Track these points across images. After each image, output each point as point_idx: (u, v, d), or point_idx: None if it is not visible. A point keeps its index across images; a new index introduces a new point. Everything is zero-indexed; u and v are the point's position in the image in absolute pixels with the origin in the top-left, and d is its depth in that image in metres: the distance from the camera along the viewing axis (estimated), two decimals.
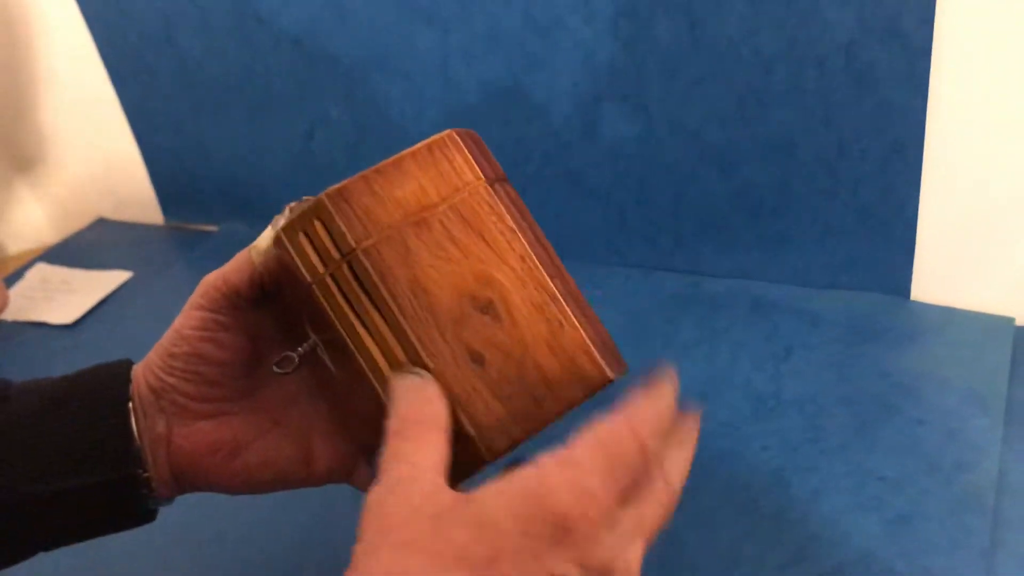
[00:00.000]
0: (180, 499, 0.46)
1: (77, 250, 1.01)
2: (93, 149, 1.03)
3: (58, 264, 0.97)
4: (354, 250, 0.39)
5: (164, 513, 0.47)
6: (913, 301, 0.71)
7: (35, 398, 0.44)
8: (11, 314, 0.88)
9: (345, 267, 0.39)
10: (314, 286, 0.40)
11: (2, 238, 1.07)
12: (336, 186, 0.39)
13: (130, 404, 0.44)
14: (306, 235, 0.40)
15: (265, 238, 0.43)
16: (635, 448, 0.35)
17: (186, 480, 0.46)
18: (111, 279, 0.92)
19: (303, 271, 0.40)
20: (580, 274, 0.81)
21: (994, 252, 0.67)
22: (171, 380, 0.45)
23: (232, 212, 0.98)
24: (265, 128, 0.91)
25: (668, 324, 0.73)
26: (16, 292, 0.92)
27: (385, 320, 0.39)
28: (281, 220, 0.42)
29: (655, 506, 0.36)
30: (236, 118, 0.91)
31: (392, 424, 0.37)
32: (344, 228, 0.39)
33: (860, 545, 0.53)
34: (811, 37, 0.64)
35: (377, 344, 0.39)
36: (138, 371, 0.46)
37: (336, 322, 0.40)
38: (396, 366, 0.39)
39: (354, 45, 0.81)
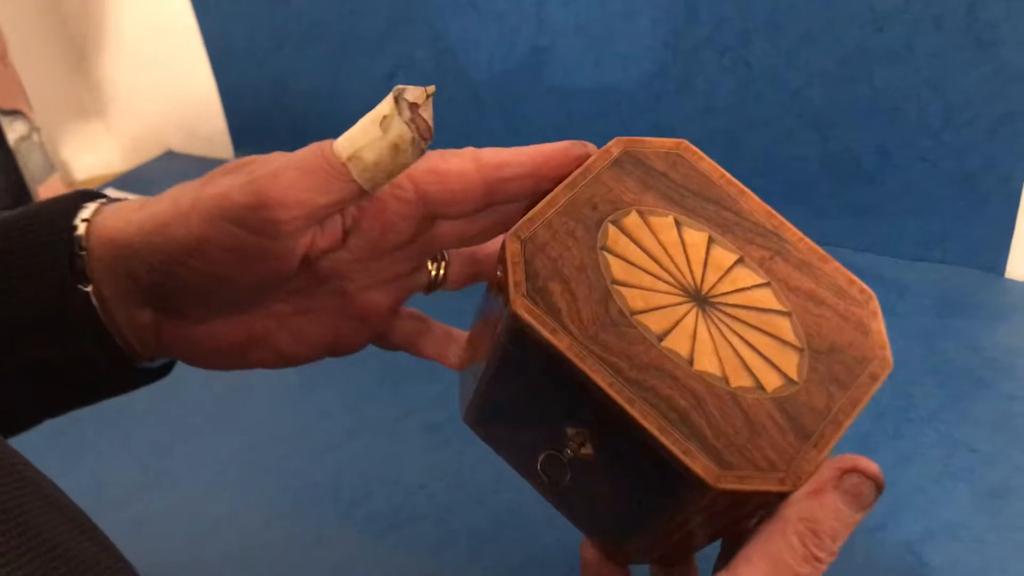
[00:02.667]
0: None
1: (144, 180, 1.01)
2: (169, 78, 1.03)
3: (126, 192, 0.97)
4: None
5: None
6: (1007, 279, 0.69)
7: None
8: None
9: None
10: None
11: (72, 164, 1.07)
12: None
13: (88, 288, 0.36)
14: None
15: (368, 135, 0.32)
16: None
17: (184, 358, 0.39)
18: None
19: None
20: None
21: None
22: (162, 280, 0.35)
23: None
24: (346, 67, 0.90)
25: None
26: None
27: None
28: (395, 105, 0.31)
29: None
30: (318, 55, 0.91)
31: None
32: None
33: (949, 515, 0.52)
34: None
35: None
36: (102, 239, 0.35)
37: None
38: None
39: None
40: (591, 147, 0.36)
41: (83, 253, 0.35)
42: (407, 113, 0.31)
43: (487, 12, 0.79)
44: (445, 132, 0.85)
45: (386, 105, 0.31)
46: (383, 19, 0.85)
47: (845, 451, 0.32)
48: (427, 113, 0.32)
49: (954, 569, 0.48)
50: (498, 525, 0.52)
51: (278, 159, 0.33)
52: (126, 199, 0.38)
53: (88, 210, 0.36)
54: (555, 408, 0.33)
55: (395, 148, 0.31)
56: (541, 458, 0.34)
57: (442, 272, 0.40)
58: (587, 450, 0.32)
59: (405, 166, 0.32)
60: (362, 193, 0.33)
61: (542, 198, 0.34)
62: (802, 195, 0.74)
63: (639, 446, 0.30)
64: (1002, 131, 0.64)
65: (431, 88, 0.32)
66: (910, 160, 0.68)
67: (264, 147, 1.00)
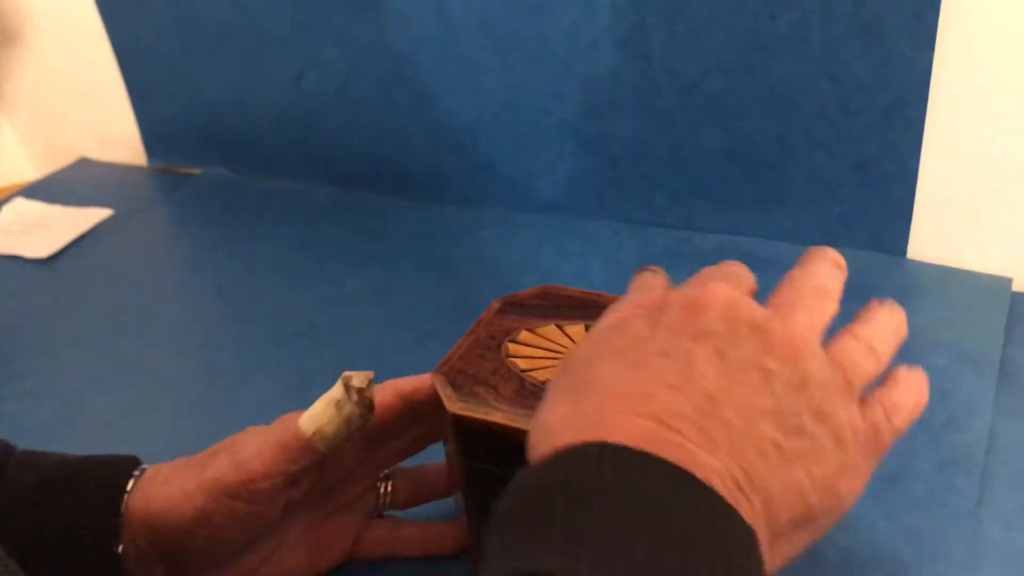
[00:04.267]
0: None
1: (57, 187, 0.98)
2: (78, 85, 1.00)
3: (37, 200, 0.95)
4: None
5: None
6: (909, 260, 0.70)
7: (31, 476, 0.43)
8: None
9: None
10: None
11: None
12: None
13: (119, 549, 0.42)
14: None
15: (326, 415, 0.41)
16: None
17: None
18: (90, 216, 0.90)
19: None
20: (569, 228, 0.81)
21: (993, 212, 0.66)
22: (175, 546, 0.43)
23: (217, 156, 0.96)
24: (255, 69, 0.88)
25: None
26: None
27: None
28: (345, 391, 0.41)
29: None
30: (226, 58, 0.89)
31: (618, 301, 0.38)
32: None
33: None
34: None
35: None
36: (135, 509, 0.43)
37: None
38: None
39: None
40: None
41: (120, 519, 0.42)
42: (355, 396, 0.41)
43: (389, 10, 0.78)
44: (358, 133, 0.84)
45: (337, 391, 0.41)
46: (288, 20, 0.84)
47: None
48: (369, 392, 0.41)
49: (845, 559, 0.49)
50: None
51: (255, 439, 0.42)
52: (146, 468, 0.45)
53: (133, 479, 0.43)
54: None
55: (348, 422, 0.41)
56: None
57: (390, 491, 0.49)
58: None
59: (355, 432, 0.41)
60: (324, 456, 0.42)
61: None
62: (709, 187, 0.74)
63: None
64: (895, 117, 0.65)
65: (371, 373, 0.41)
66: (809, 148, 0.69)
67: (177, 152, 0.99)
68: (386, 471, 0.49)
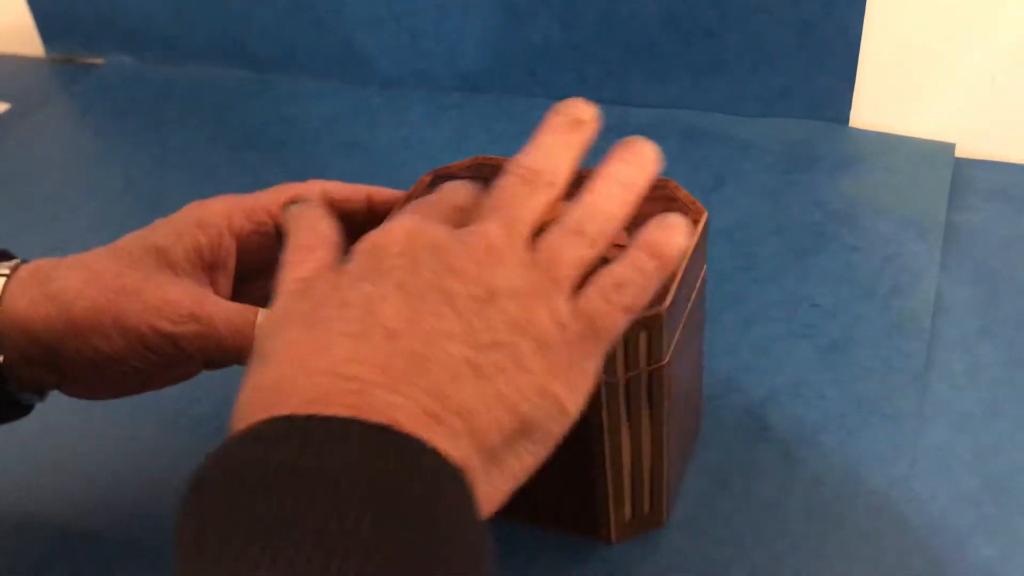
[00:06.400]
0: None
1: None
2: None
3: None
4: (662, 364, 0.37)
5: None
6: (852, 128, 0.68)
7: None
8: None
9: (645, 376, 0.38)
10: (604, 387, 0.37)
11: None
12: (665, 292, 0.36)
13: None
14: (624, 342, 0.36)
15: None
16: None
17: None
18: None
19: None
20: (499, 107, 0.77)
21: (936, 77, 0.64)
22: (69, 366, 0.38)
23: (119, 43, 0.89)
24: None
25: (594, 156, 0.69)
26: None
27: (653, 427, 0.39)
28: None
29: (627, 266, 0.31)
30: None
31: (284, 257, 0.34)
32: (665, 341, 0.37)
33: (792, 373, 0.51)
34: None
35: (632, 448, 0.40)
36: (14, 321, 0.38)
37: (605, 422, 0.38)
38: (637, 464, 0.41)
39: None
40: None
41: None
42: None
43: None
44: (268, 11, 0.78)
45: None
46: None
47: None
48: None
49: (795, 426, 0.48)
50: None
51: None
52: (20, 263, 0.39)
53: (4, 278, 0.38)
54: None
55: None
56: None
57: None
58: None
59: None
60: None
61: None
62: (643, 57, 0.70)
63: None
64: None
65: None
66: (748, 12, 0.65)
67: (76, 41, 0.92)
68: None
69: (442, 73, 0.77)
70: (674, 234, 0.32)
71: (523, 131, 0.64)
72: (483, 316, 0.29)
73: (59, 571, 0.44)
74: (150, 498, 0.47)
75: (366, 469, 0.24)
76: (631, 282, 0.31)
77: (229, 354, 0.38)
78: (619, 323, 0.31)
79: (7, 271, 0.39)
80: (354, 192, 0.42)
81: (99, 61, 0.91)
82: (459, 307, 0.29)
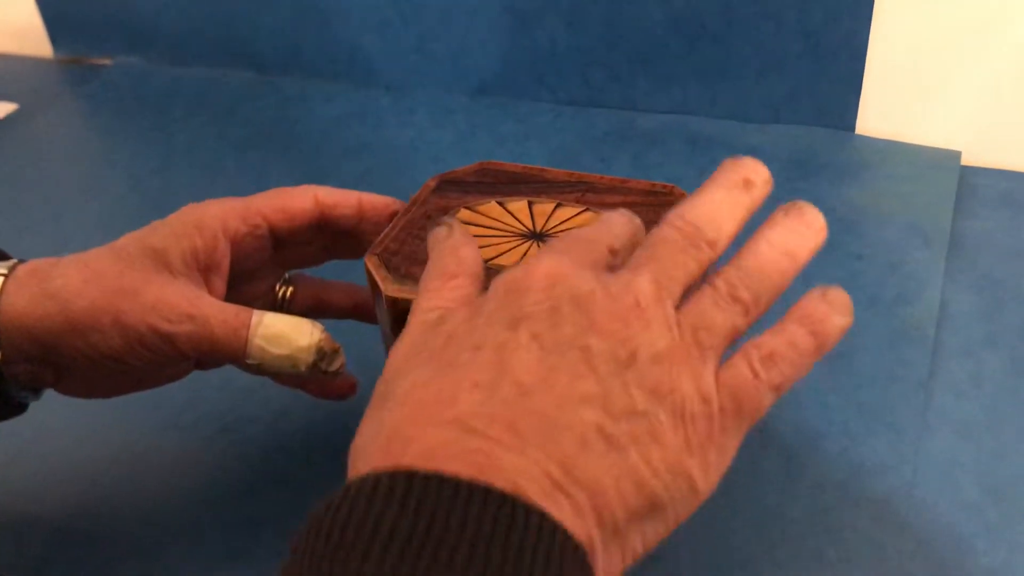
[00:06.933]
0: None
1: None
2: None
3: None
4: None
5: None
6: (858, 135, 0.68)
7: None
8: None
9: None
10: None
11: None
12: None
13: None
14: None
15: (277, 361, 0.39)
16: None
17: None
18: None
19: None
20: (505, 111, 0.77)
21: (942, 85, 0.64)
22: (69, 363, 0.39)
23: (127, 44, 0.90)
24: None
25: (600, 162, 0.69)
26: None
27: None
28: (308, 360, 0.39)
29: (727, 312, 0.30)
30: None
31: (423, 282, 0.33)
32: None
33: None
34: None
35: None
36: (12, 320, 0.38)
37: None
38: None
39: None
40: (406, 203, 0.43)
41: None
42: (314, 368, 0.39)
43: None
44: (275, 13, 0.78)
45: (305, 353, 0.39)
46: None
47: None
48: (325, 365, 0.39)
49: (797, 433, 0.48)
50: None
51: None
52: (18, 263, 0.39)
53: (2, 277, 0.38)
54: None
55: (290, 371, 0.39)
56: None
57: (288, 294, 0.46)
58: None
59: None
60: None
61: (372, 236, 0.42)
62: (649, 62, 0.70)
63: None
64: None
65: (343, 359, 0.40)
66: (754, 19, 0.65)
67: (84, 42, 0.92)
68: (287, 275, 0.46)
69: (449, 76, 0.77)
70: (837, 311, 0.30)
71: (529, 135, 0.64)
72: (622, 380, 0.27)
73: (59, 571, 0.44)
74: (150, 498, 0.47)
75: (487, 542, 0.23)
76: (784, 359, 0.29)
77: (223, 354, 0.38)
78: (765, 402, 0.29)
79: (5, 270, 0.39)
80: (345, 198, 0.42)
81: (107, 62, 0.91)
82: (597, 368, 0.27)
